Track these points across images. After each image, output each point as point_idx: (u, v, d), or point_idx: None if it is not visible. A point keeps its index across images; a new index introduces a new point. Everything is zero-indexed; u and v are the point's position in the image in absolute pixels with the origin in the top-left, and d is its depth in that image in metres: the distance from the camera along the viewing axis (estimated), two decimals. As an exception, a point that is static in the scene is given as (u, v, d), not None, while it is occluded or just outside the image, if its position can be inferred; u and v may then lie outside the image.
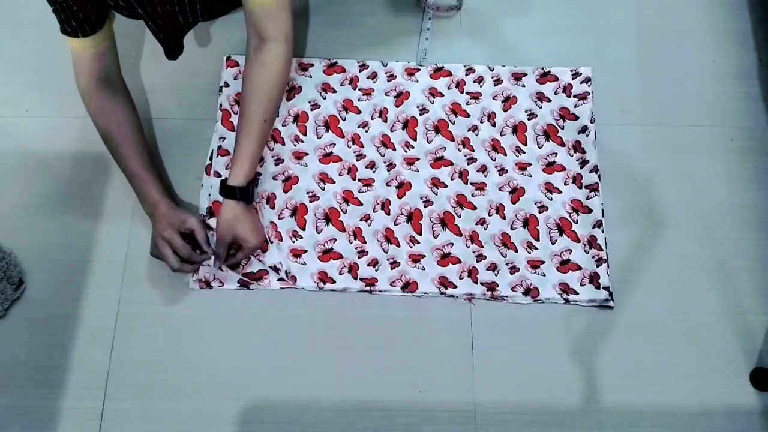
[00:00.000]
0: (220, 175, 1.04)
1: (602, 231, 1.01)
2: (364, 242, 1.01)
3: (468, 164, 1.05)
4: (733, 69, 1.14)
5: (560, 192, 1.04)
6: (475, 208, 1.03)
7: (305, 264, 0.99)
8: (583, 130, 1.07)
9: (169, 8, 0.87)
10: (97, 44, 0.91)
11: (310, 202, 1.03)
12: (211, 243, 0.94)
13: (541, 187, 1.04)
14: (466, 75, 1.11)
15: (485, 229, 1.02)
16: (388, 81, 1.11)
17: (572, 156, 1.06)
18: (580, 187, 1.04)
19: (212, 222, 0.99)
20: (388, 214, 1.02)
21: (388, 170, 1.05)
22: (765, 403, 0.93)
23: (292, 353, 0.95)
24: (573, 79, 1.11)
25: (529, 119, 1.08)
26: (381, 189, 1.04)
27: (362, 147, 1.07)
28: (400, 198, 1.03)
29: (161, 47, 1.02)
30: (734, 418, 0.92)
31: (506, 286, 0.98)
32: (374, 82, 1.11)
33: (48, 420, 0.92)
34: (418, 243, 1.01)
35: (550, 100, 1.10)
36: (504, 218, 1.02)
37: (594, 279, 0.98)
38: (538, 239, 1.01)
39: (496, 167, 1.05)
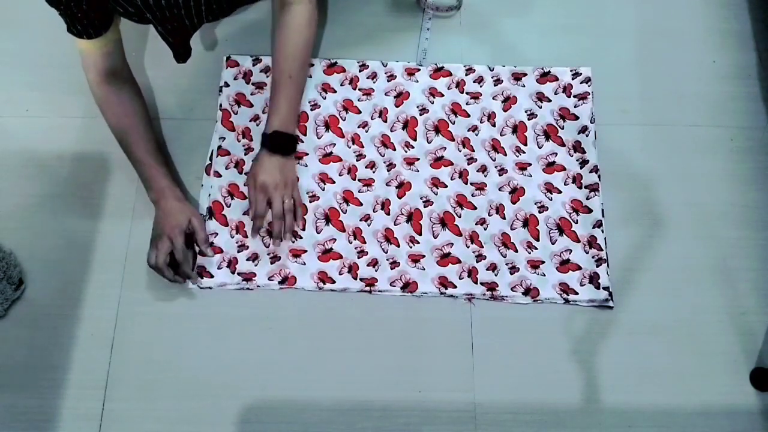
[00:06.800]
0: (219, 175, 1.04)
1: (602, 231, 1.01)
2: (364, 242, 1.01)
3: (468, 164, 1.05)
4: (733, 69, 1.13)
5: (560, 192, 1.04)
6: (475, 208, 1.03)
7: (305, 264, 0.99)
8: (583, 130, 1.07)
9: (176, 12, 0.88)
10: (104, 45, 0.92)
11: (310, 202, 1.03)
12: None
13: (541, 187, 1.04)
14: (466, 75, 1.11)
15: (485, 229, 1.02)
16: (388, 81, 1.11)
17: (572, 156, 1.06)
18: (580, 187, 1.04)
19: (210, 224, 1.01)
20: (388, 214, 1.02)
21: (388, 170, 1.05)
22: (765, 403, 0.93)
23: (292, 353, 0.95)
24: (573, 79, 1.11)
25: (529, 119, 1.08)
26: (381, 189, 1.04)
27: (362, 147, 1.07)
28: (400, 198, 1.03)
29: (165, 49, 1.02)
30: (734, 418, 0.92)
31: (506, 286, 0.98)
32: (374, 82, 1.11)
33: (48, 420, 0.92)
34: (418, 243, 1.01)
35: (550, 100, 1.10)
36: (504, 218, 1.02)
37: (594, 279, 0.98)
38: (538, 239, 1.01)
39: (496, 167, 1.05)
